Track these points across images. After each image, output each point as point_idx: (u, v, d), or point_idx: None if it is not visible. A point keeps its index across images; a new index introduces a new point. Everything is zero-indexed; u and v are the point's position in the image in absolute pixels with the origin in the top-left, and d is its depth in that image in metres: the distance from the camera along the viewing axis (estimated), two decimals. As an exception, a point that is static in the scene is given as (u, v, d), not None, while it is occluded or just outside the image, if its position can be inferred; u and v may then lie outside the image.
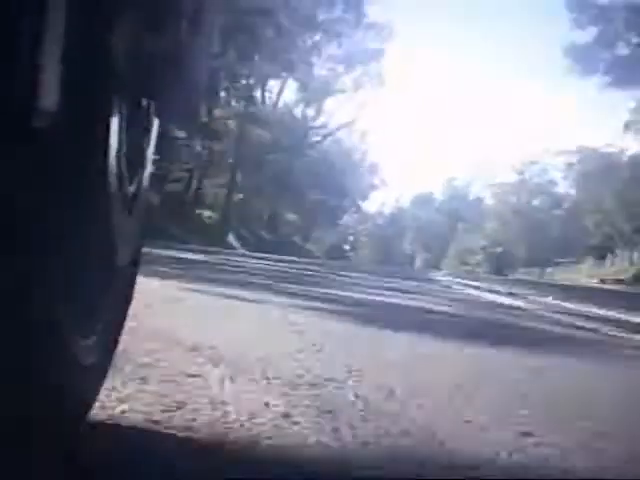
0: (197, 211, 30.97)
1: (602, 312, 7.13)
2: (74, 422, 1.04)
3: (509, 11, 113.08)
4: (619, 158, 53.67)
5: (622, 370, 2.99)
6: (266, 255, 20.46)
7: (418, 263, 72.83)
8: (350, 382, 1.87)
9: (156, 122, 1.29)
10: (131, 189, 1.11)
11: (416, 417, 1.56)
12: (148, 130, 1.25)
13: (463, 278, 19.44)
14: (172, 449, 1.15)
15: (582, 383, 2.48)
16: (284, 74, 37.70)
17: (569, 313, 6.52)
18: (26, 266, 0.69)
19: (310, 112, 46.24)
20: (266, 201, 42.44)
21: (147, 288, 3.47)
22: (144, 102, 1.18)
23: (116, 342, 1.20)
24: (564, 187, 65.47)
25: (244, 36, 26.03)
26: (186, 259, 10.24)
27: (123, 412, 1.29)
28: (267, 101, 40.55)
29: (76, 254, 0.85)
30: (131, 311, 1.28)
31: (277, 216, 43.78)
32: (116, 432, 1.18)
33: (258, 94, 38.09)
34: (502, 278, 30.14)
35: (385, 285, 9.21)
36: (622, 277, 33.71)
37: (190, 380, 1.66)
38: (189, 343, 2.19)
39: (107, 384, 1.24)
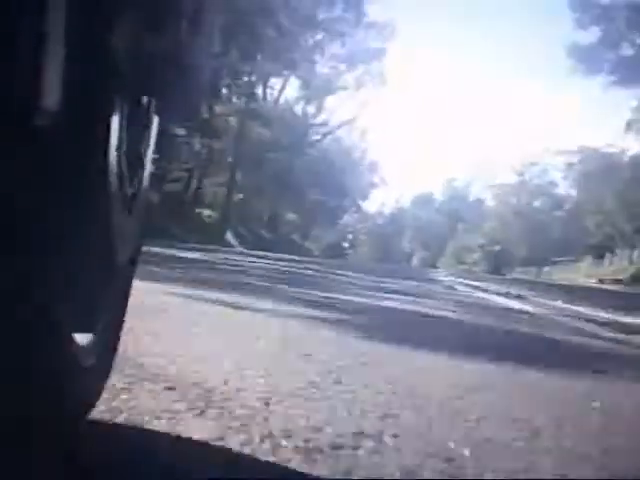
0: (197, 210, 30.95)
1: (628, 319, 6.45)
2: (74, 422, 1.04)
3: (510, 10, 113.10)
4: (620, 158, 53.69)
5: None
6: (264, 254, 20.13)
7: (415, 261, 72.85)
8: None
9: (156, 121, 1.29)
10: (131, 188, 1.11)
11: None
12: (148, 129, 1.25)
13: (464, 278, 18.94)
14: (172, 449, 1.15)
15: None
16: (286, 72, 37.74)
17: (586, 319, 6.02)
18: (26, 266, 0.69)
19: (311, 110, 46.34)
20: (266, 200, 42.43)
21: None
22: (144, 101, 1.17)
23: (117, 342, 1.20)
24: (564, 188, 65.59)
25: (245, 36, 26.02)
26: (179, 258, 9.72)
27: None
28: (268, 98, 40.59)
29: (76, 254, 0.85)
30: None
31: (277, 215, 43.77)
32: (116, 432, 1.18)
33: (260, 91, 38.13)
34: (503, 278, 29.73)
35: (387, 286, 8.82)
36: (620, 277, 33.61)
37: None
38: (164, 377, 1.69)
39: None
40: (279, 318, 3.45)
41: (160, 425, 1.26)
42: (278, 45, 29.97)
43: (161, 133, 1.33)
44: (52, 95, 0.62)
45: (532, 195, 65.93)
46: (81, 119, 0.77)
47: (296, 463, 1.16)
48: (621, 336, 4.63)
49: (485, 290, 11.23)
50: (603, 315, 6.84)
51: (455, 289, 11.02)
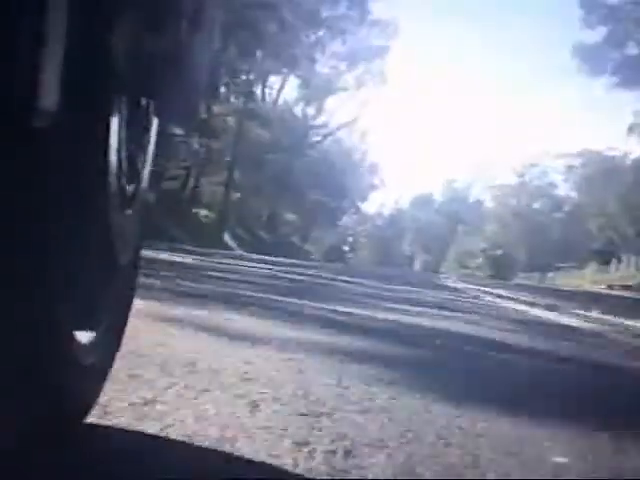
0: (194, 210, 30.89)
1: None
2: (74, 422, 1.04)
3: (511, 10, 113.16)
4: (622, 161, 53.73)
5: None
6: (262, 257, 19.33)
7: (417, 265, 72.86)
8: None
9: (155, 121, 1.29)
10: (130, 189, 1.11)
11: None
12: (148, 130, 1.25)
13: (479, 285, 17.35)
14: (172, 449, 1.15)
15: None
16: (285, 70, 37.61)
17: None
18: (26, 266, 0.69)
19: (311, 111, 46.30)
20: (265, 201, 42.41)
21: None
22: (143, 102, 1.18)
23: (117, 343, 1.20)
24: (565, 190, 65.63)
25: (245, 31, 25.90)
26: (171, 264, 8.20)
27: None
28: (267, 98, 40.49)
29: (76, 254, 0.85)
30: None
31: (276, 216, 43.75)
32: (116, 432, 1.18)
33: (258, 90, 38.01)
34: (520, 284, 28.52)
35: (409, 297, 7.76)
36: (630, 283, 33.03)
37: None
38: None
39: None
40: (286, 355, 2.30)
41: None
42: (278, 41, 29.80)
43: (159, 132, 1.33)
44: (51, 95, 0.62)
45: (532, 197, 66.00)
46: (81, 119, 0.77)
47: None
48: None
49: (513, 299, 10.13)
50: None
51: (480, 298, 10.02)
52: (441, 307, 6.33)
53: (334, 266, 23.42)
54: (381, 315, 4.51)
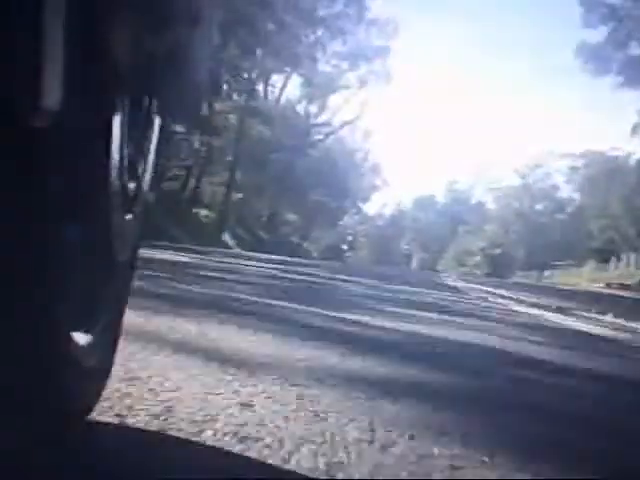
0: (194, 210, 30.83)
1: None
2: (74, 422, 1.04)
3: (513, 10, 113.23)
4: (625, 162, 53.72)
5: None
6: (261, 256, 18.88)
7: (414, 263, 72.88)
8: None
9: (157, 121, 1.29)
10: (132, 189, 1.11)
11: None
12: (150, 130, 1.25)
13: (482, 284, 16.59)
14: (172, 449, 1.15)
15: None
16: (287, 69, 37.54)
17: None
18: (26, 266, 0.69)
19: (313, 109, 46.27)
20: (266, 200, 42.39)
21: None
22: (145, 101, 1.18)
23: (116, 343, 1.20)
24: (568, 191, 65.65)
25: (245, 30, 25.85)
26: (157, 260, 7.54)
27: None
28: (269, 96, 40.43)
29: (76, 254, 0.85)
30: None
31: (277, 216, 43.73)
32: (116, 432, 1.18)
33: (260, 88, 37.92)
34: (521, 283, 28.16)
35: (418, 299, 7.12)
36: (628, 282, 32.80)
37: None
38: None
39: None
40: (295, 390, 1.72)
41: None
42: (277, 40, 29.78)
43: (160, 130, 1.33)
44: (52, 95, 0.62)
45: (534, 198, 65.98)
46: (81, 119, 0.77)
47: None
48: None
49: (521, 302, 9.39)
50: None
51: (486, 299, 9.34)
52: (453, 313, 5.65)
53: (332, 264, 22.66)
54: (389, 323, 3.87)
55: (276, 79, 40.07)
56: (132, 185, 1.11)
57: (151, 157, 1.28)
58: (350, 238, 66.86)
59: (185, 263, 8.61)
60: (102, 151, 0.90)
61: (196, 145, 28.15)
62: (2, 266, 0.65)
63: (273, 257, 19.33)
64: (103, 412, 1.22)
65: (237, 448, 1.17)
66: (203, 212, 32.16)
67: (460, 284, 14.89)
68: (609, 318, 7.47)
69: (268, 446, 1.20)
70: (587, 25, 43.28)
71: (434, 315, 5.02)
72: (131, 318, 1.89)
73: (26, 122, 0.61)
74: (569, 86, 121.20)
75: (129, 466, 1.04)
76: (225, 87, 29.66)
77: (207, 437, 1.20)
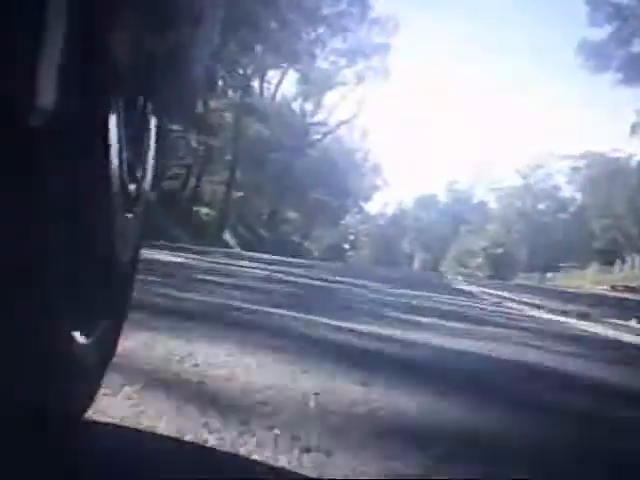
0: (194, 208, 30.79)
1: None
2: (72, 421, 1.04)
3: (512, 7, 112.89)
4: (627, 163, 53.67)
5: None
6: (261, 256, 18.37)
7: (416, 264, 72.83)
8: None
9: (154, 120, 1.29)
10: (132, 189, 1.11)
11: None
12: (148, 130, 1.25)
13: (489, 287, 15.70)
14: (171, 449, 1.15)
15: None
16: (284, 65, 37.29)
17: None
18: (26, 265, 0.69)
19: (309, 106, 45.99)
20: (266, 199, 42.36)
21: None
22: (143, 101, 1.17)
23: (115, 343, 1.20)
24: (570, 191, 65.58)
25: (245, 27, 25.74)
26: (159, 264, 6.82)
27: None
28: (265, 93, 40.10)
29: (76, 254, 0.85)
30: None
31: (277, 215, 43.70)
32: (116, 432, 1.18)
33: (256, 85, 37.63)
34: (524, 284, 27.11)
35: (435, 306, 6.45)
36: (633, 284, 32.29)
37: None
38: None
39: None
40: (301, 443, 1.26)
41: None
42: (278, 37, 29.63)
43: (157, 129, 1.33)
44: (51, 95, 0.62)
45: (537, 198, 65.93)
46: (80, 119, 0.77)
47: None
48: None
49: (538, 307, 8.56)
50: None
51: (502, 305, 8.52)
52: (479, 322, 5.01)
53: (333, 265, 22.06)
54: (415, 335, 3.35)
55: (272, 75, 39.72)
56: (133, 185, 1.11)
57: (151, 156, 1.28)
58: (352, 237, 66.84)
59: (181, 263, 8.16)
60: (102, 151, 0.90)
61: (193, 144, 28.08)
62: (2, 266, 0.65)
63: (274, 258, 19.00)
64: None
65: None
66: (204, 210, 32.14)
67: (474, 289, 13.69)
68: (634, 324, 6.96)
69: None
70: (593, 24, 43.28)
71: (460, 325, 4.47)
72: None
73: (26, 122, 0.61)
74: (568, 83, 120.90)
75: (129, 466, 1.04)
76: (220, 83, 29.48)
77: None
